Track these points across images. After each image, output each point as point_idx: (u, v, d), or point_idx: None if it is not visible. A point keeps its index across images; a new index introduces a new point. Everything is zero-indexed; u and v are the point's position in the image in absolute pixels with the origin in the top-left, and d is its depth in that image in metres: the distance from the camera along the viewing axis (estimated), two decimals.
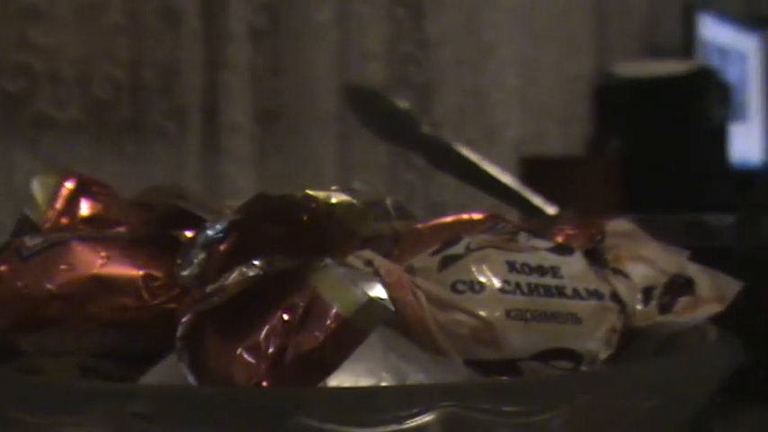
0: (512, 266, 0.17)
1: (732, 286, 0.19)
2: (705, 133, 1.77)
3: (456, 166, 0.37)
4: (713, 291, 0.19)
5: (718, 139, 1.87)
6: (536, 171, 0.80)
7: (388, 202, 0.22)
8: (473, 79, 1.50)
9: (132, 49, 1.17)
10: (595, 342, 0.17)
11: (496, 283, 0.17)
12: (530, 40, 1.59)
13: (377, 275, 0.16)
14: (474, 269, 0.17)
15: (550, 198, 0.86)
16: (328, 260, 0.13)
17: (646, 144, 1.60)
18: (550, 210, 0.37)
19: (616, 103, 1.73)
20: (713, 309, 0.19)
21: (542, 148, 1.53)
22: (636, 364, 0.16)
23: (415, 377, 0.14)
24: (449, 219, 0.21)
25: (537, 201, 0.38)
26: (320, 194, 0.14)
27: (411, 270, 0.17)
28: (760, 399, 0.35)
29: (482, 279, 0.16)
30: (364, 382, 0.13)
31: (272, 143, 1.31)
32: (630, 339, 0.19)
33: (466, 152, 0.37)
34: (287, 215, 0.13)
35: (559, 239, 0.22)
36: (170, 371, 0.14)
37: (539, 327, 0.17)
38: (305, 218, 0.14)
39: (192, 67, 1.18)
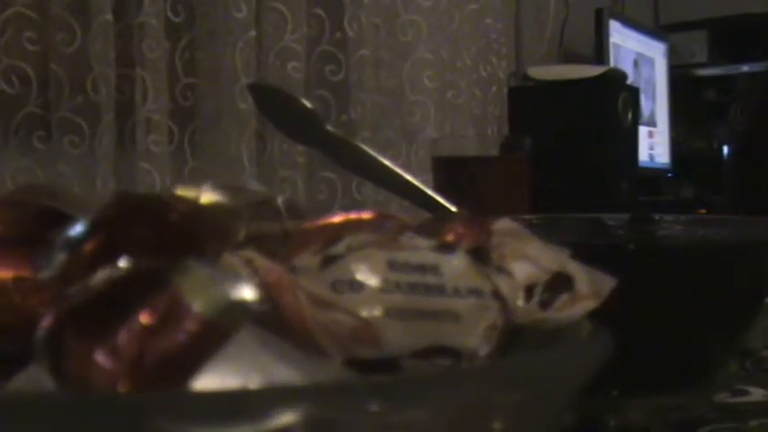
0: (392, 265, 0.17)
1: (607, 283, 0.20)
2: (615, 135, 1.83)
3: (360, 164, 0.38)
4: (591, 287, 0.20)
5: (628, 141, 1.94)
6: (450, 170, 0.81)
7: (279, 201, 0.22)
8: (391, 79, 1.51)
9: (41, 43, 1.13)
10: (475, 339, 0.17)
11: (376, 282, 0.17)
12: (447, 42, 1.61)
13: (256, 275, 0.16)
14: (354, 268, 0.17)
15: (463, 197, 0.87)
16: (192, 261, 0.13)
17: (558, 145, 1.65)
18: (451, 208, 0.38)
19: (530, 104, 1.77)
20: (590, 305, 0.19)
21: (458, 148, 1.55)
22: (501, 360, 0.16)
23: (287, 377, 0.14)
24: (338, 218, 0.21)
25: (439, 199, 0.38)
26: (188, 194, 0.14)
27: (292, 270, 0.17)
28: (652, 390, 0.36)
29: (362, 278, 0.17)
30: (231, 383, 0.13)
31: (188, 141, 1.29)
32: (513, 336, 0.20)
33: (369, 151, 0.37)
34: (153, 215, 0.13)
35: (450, 238, 0.22)
36: (38, 375, 0.14)
37: (418, 325, 0.17)
38: (172, 218, 0.13)
39: (104, 63, 1.15)
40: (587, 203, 1.26)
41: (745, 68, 2.66)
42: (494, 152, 0.93)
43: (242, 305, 0.13)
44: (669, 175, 2.63)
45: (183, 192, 0.14)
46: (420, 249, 0.18)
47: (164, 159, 1.21)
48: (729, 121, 2.69)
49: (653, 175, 2.49)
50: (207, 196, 0.15)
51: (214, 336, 0.12)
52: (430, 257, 0.18)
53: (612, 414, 0.35)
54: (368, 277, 0.17)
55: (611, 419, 0.35)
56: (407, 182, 0.38)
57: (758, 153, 1.20)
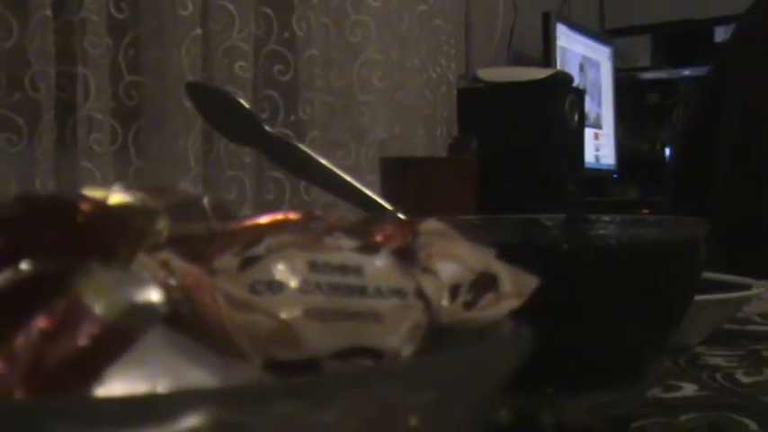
0: (313, 266, 0.17)
1: (530, 282, 0.20)
2: (562, 137, 1.86)
3: (299, 165, 0.37)
4: (514, 287, 0.20)
5: (574, 143, 1.97)
6: (397, 171, 0.81)
7: (206, 201, 0.22)
8: (340, 79, 1.51)
9: None
10: (397, 339, 0.17)
11: (296, 283, 0.17)
12: (396, 43, 1.62)
13: (173, 277, 0.16)
14: (273, 269, 0.17)
15: (411, 198, 0.87)
16: (95, 263, 0.12)
17: (506, 146, 1.67)
18: (390, 208, 0.38)
19: (479, 106, 1.78)
20: (513, 304, 0.19)
21: (406, 149, 1.56)
22: (414, 359, 0.17)
23: (199, 380, 0.14)
24: (265, 219, 0.21)
25: (378, 199, 0.38)
26: (97, 195, 0.14)
27: (211, 271, 0.17)
28: (587, 388, 0.37)
29: (281, 279, 0.16)
30: (139, 387, 0.13)
31: (133, 140, 1.27)
32: (440, 336, 0.20)
33: (309, 152, 0.37)
34: (57, 216, 0.13)
35: (379, 238, 0.22)
36: None
37: (339, 326, 0.17)
38: (79, 219, 0.13)
39: (43, 59, 1.12)
40: (534, 204, 1.28)
41: (687, 72, 2.73)
42: (442, 153, 0.94)
43: (147, 308, 0.13)
44: (614, 176, 2.68)
45: (90, 192, 0.14)
46: (343, 250, 0.18)
47: (106, 159, 1.19)
48: (672, 123, 2.76)
49: (599, 176, 2.54)
50: (116, 197, 0.14)
51: (117, 339, 0.12)
52: (352, 258, 0.18)
53: (548, 412, 0.36)
54: (287, 278, 0.17)
55: (547, 417, 0.36)
56: (347, 183, 0.38)
57: (698, 155, 1.23)
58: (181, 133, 1.25)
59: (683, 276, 0.36)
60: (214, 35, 1.32)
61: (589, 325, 0.35)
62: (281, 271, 0.17)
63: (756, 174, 1.09)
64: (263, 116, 1.39)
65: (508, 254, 0.35)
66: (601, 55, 2.58)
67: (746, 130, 1.12)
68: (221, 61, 1.32)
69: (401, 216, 0.22)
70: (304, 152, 0.37)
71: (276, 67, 1.42)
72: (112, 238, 0.14)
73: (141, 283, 0.13)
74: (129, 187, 0.15)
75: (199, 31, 1.26)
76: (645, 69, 2.87)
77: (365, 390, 0.13)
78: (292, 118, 1.42)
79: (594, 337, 0.35)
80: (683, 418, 0.38)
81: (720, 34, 2.65)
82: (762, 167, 1.09)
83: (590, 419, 0.36)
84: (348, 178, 0.38)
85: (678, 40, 2.82)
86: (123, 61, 1.24)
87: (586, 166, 2.20)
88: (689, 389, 0.43)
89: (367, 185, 1.36)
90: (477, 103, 1.79)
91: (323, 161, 0.38)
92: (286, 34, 1.42)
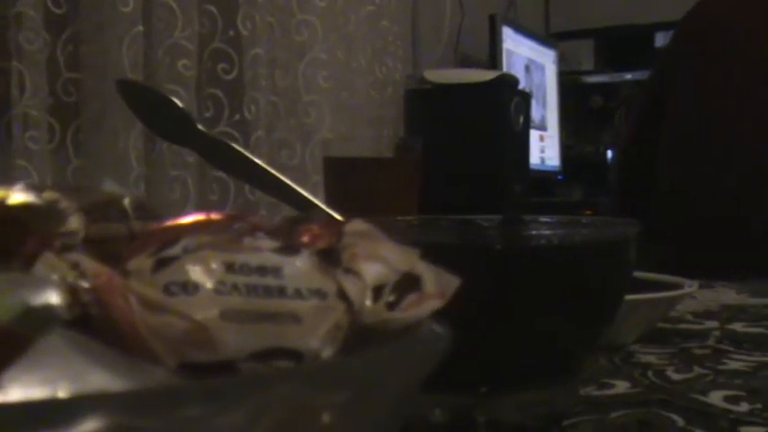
0: (230, 267, 0.17)
1: (452, 283, 0.20)
2: (507, 138, 1.88)
3: (233, 164, 0.37)
4: (437, 287, 0.20)
5: (519, 145, 2.00)
6: (340, 171, 0.81)
7: (126, 201, 0.21)
8: (286, 79, 1.50)
9: None
10: (317, 340, 0.17)
11: (211, 284, 0.16)
12: (342, 43, 1.62)
13: (83, 278, 0.16)
14: (189, 270, 0.16)
15: (354, 198, 0.87)
16: None
17: (453, 147, 1.68)
18: (323, 207, 0.38)
19: (426, 107, 1.79)
20: (436, 304, 0.20)
21: (351, 149, 1.56)
22: (325, 360, 0.16)
23: (104, 384, 0.13)
24: (186, 219, 0.20)
25: (312, 199, 0.38)
26: None
27: (124, 272, 0.16)
28: (520, 386, 0.37)
29: (196, 280, 0.16)
30: (37, 392, 0.12)
31: (71, 138, 1.24)
32: (363, 337, 0.20)
33: (242, 151, 0.37)
34: None
35: (304, 239, 0.22)
36: None
37: (256, 327, 0.17)
38: None
39: None
40: (479, 205, 1.29)
41: (629, 76, 2.79)
42: (388, 154, 0.94)
43: (45, 310, 0.12)
44: (559, 177, 2.72)
45: None
46: (262, 251, 0.18)
47: (43, 157, 1.16)
48: (614, 126, 2.81)
49: (544, 178, 2.58)
50: (17, 197, 0.14)
51: (11, 343, 0.11)
52: (271, 259, 0.18)
53: (482, 411, 0.36)
54: (203, 279, 0.16)
55: (481, 416, 0.36)
56: (282, 183, 0.38)
57: (640, 158, 1.26)
58: (122, 132, 1.23)
59: (614, 276, 0.37)
60: (156, 33, 1.30)
61: (522, 324, 0.35)
62: (196, 272, 0.16)
63: (696, 176, 1.12)
64: (207, 115, 1.38)
65: (444, 254, 0.35)
66: (546, 58, 2.62)
67: (687, 134, 1.14)
68: (164, 59, 1.30)
69: (328, 216, 0.22)
70: (239, 152, 0.37)
71: (220, 66, 1.41)
72: (12, 239, 0.13)
73: (39, 285, 0.13)
74: (34, 186, 0.15)
75: (140, 28, 1.24)
76: (588, 73, 2.92)
77: (272, 391, 0.12)
78: (237, 117, 1.41)
79: (527, 336, 0.35)
80: (613, 415, 0.39)
81: (660, 39, 2.72)
82: (702, 170, 1.12)
83: (523, 417, 0.36)
84: (283, 178, 0.38)
85: (620, 45, 2.88)
86: (62, 57, 1.21)
87: (531, 167, 2.23)
88: (621, 386, 0.44)
89: (312, 186, 1.36)
90: (423, 104, 1.80)
91: (257, 161, 0.37)
92: (231, 33, 1.41)
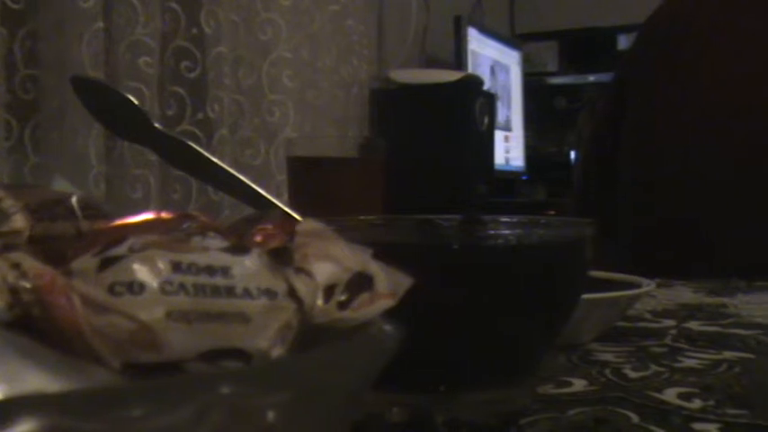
0: (177, 267, 0.17)
1: (404, 282, 0.20)
2: (472, 139, 1.89)
3: (190, 163, 0.37)
4: (389, 287, 0.20)
5: (484, 145, 2.01)
6: (303, 171, 0.81)
7: (74, 200, 0.21)
8: (250, 78, 1.49)
9: None
10: (266, 340, 0.17)
11: (157, 283, 0.16)
12: (307, 42, 1.61)
13: (24, 279, 0.15)
14: (134, 270, 0.16)
15: (317, 198, 0.87)
16: None
17: (418, 147, 1.68)
18: (281, 206, 0.38)
19: (391, 107, 1.80)
20: (387, 304, 0.20)
21: (315, 149, 1.55)
22: (272, 359, 0.16)
23: (39, 386, 0.13)
24: (135, 219, 0.20)
25: (270, 198, 0.38)
26: None
27: (68, 272, 0.16)
28: (478, 385, 0.38)
29: (142, 280, 0.16)
30: None
31: (30, 136, 1.22)
32: (315, 336, 0.20)
33: (198, 149, 0.36)
34: None
35: (258, 239, 0.22)
36: None
37: (204, 327, 0.16)
38: None
39: None
40: (444, 205, 1.30)
41: (592, 78, 2.82)
42: (353, 153, 0.94)
43: None
44: (523, 177, 2.75)
45: None
46: (210, 250, 0.18)
47: (1, 155, 1.14)
48: (577, 127, 2.85)
49: (508, 178, 2.60)
50: None
51: None
52: (220, 258, 0.18)
53: (440, 410, 0.36)
54: (149, 279, 0.16)
55: (439, 415, 0.36)
56: (240, 181, 0.38)
57: (602, 160, 1.28)
58: (81, 130, 1.21)
59: (570, 275, 0.37)
60: (117, 29, 1.28)
61: (479, 324, 0.35)
62: (142, 271, 0.16)
63: (655, 178, 1.14)
64: (170, 113, 1.36)
65: (403, 254, 0.35)
66: (511, 59, 2.64)
67: (646, 138, 1.16)
68: (124, 56, 1.28)
69: (284, 216, 0.22)
70: (197, 151, 0.36)
71: (183, 64, 1.39)
72: None
73: None
74: None
75: (101, 24, 1.22)
76: (553, 74, 2.95)
77: (215, 392, 0.12)
78: (200, 116, 1.40)
79: (485, 335, 0.35)
80: (570, 412, 0.39)
81: (623, 42, 2.76)
82: (660, 173, 1.14)
83: (481, 416, 0.36)
84: (242, 177, 0.38)
85: (584, 47, 2.91)
86: (19, 54, 1.18)
87: (496, 167, 2.25)
88: (579, 384, 0.45)
89: (277, 185, 1.35)
90: (389, 104, 1.80)
91: (216, 160, 0.37)
92: (194, 30, 1.40)
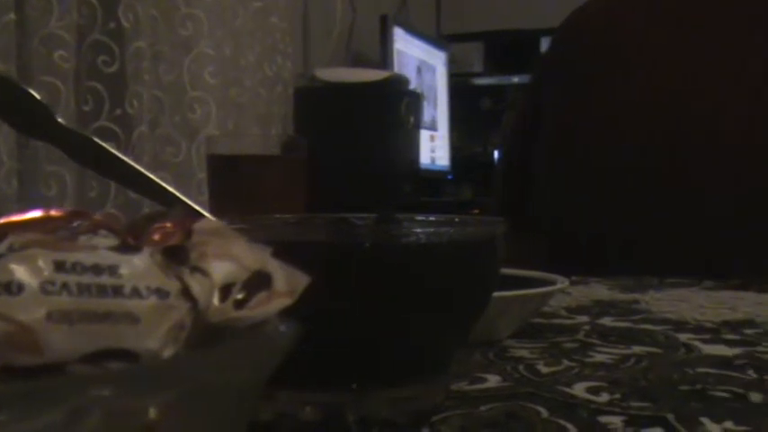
0: (60, 266, 0.16)
1: (301, 280, 0.20)
2: (397, 138, 1.90)
3: (97, 161, 0.36)
4: (287, 285, 0.20)
5: (410, 145, 2.02)
6: (223, 169, 0.80)
7: None
8: (170, 73, 1.46)
9: None
10: (156, 341, 0.17)
11: (38, 283, 0.15)
12: (230, 39, 1.59)
13: None
14: (13, 269, 0.15)
15: (237, 197, 0.86)
16: None
17: (342, 146, 1.68)
18: (190, 203, 0.37)
19: (316, 105, 1.79)
20: (285, 302, 0.19)
21: (236, 147, 1.53)
22: (153, 360, 0.16)
23: None
24: (25, 216, 0.19)
25: (179, 195, 0.37)
26: None
27: None
28: (391, 383, 0.38)
29: (21, 279, 0.15)
30: None
31: None
32: (210, 336, 0.19)
33: (105, 146, 0.35)
34: None
35: (156, 237, 0.22)
36: None
37: (88, 328, 0.16)
38: None
39: None
40: (368, 204, 1.30)
41: (516, 79, 2.88)
42: (275, 152, 0.93)
43: None
44: (449, 177, 2.78)
45: None
46: (97, 249, 0.17)
47: None
48: (501, 127, 2.90)
49: (434, 177, 2.62)
50: None
51: None
52: (108, 257, 0.17)
53: (352, 408, 0.36)
54: (29, 278, 0.16)
55: (351, 413, 0.36)
56: (148, 179, 0.37)
57: (520, 158, 1.30)
58: None
59: (481, 273, 0.38)
60: (31, 21, 1.23)
61: (390, 321, 0.36)
62: (21, 271, 0.15)
63: (571, 176, 1.17)
64: (87, 109, 1.32)
65: (314, 252, 0.35)
66: (437, 59, 2.66)
67: (563, 136, 1.19)
68: (38, 49, 1.24)
69: (186, 214, 0.21)
70: (103, 148, 0.35)
71: (101, 58, 1.35)
72: None
73: None
74: None
75: (12, 16, 1.18)
76: (478, 75, 3.00)
77: (89, 393, 0.12)
78: (118, 112, 1.36)
79: (396, 333, 0.36)
80: (483, 408, 0.40)
81: (545, 44, 2.82)
82: (577, 170, 1.16)
83: (392, 413, 0.36)
84: (150, 175, 0.37)
85: (508, 49, 2.97)
86: None
87: (422, 167, 2.27)
88: (493, 380, 0.45)
89: (197, 184, 1.32)
90: (313, 102, 1.79)
91: (124, 157, 0.36)
92: (111, 24, 1.36)
